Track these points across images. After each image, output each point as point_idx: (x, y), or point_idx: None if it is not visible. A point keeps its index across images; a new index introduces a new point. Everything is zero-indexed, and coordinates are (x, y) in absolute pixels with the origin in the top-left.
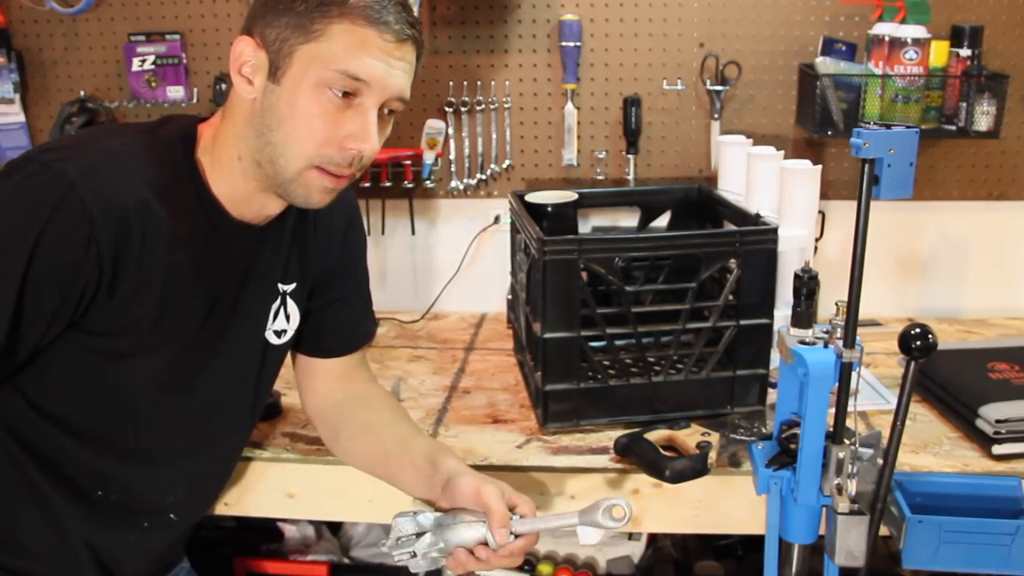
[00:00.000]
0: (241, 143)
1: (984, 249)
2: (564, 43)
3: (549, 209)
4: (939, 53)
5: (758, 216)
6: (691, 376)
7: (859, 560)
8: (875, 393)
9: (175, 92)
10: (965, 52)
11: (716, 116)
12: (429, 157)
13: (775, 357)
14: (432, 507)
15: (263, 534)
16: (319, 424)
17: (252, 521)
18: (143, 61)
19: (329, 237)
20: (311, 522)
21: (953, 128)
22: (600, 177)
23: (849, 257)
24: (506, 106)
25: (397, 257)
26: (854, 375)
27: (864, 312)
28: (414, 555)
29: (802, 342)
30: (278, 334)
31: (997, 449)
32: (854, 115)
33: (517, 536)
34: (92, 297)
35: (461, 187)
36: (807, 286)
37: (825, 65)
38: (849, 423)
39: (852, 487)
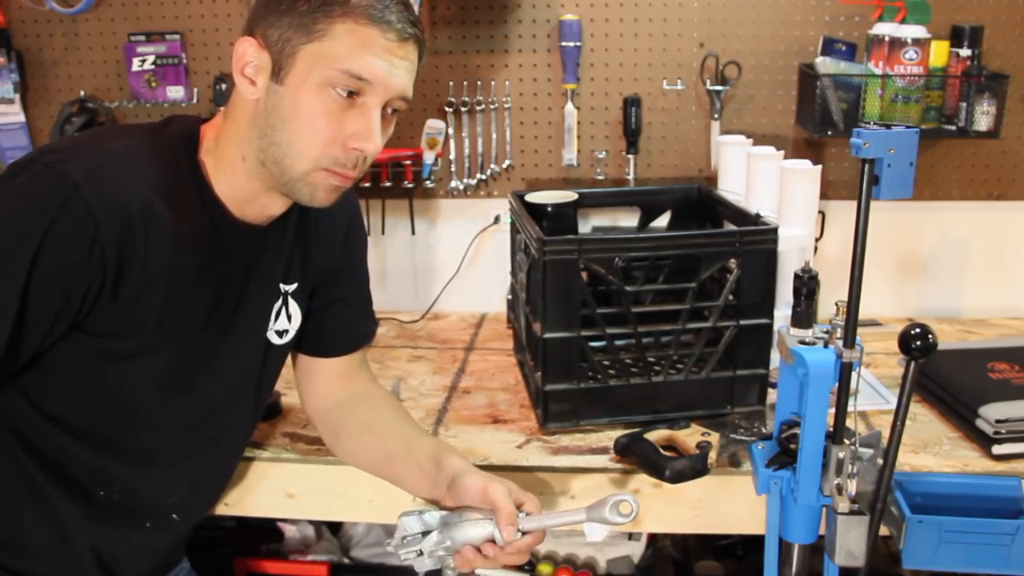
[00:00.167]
0: (244, 143)
1: (984, 249)
2: (564, 43)
3: (549, 209)
4: (939, 53)
5: (758, 216)
6: (691, 376)
7: (859, 560)
8: (875, 393)
9: (175, 92)
10: (965, 52)
11: (716, 116)
12: (429, 157)
13: (775, 357)
14: (436, 506)
15: (263, 534)
16: (320, 424)
17: (252, 521)
18: (143, 61)
19: (330, 237)
20: (311, 522)
21: (953, 128)
22: (600, 177)
23: (849, 257)
24: (506, 106)
25: (397, 257)
26: (854, 375)
27: (864, 312)
28: (420, 553)
29: (802, 342)
30: (280, 334)
31: (997, 449)
32: (854, 115)
33: (524, 533)
34: (95, 298)
35: (461, 187)
36: (807, 286)
37: (825, 65)
38: (849, 423)
39: (852, 487)
